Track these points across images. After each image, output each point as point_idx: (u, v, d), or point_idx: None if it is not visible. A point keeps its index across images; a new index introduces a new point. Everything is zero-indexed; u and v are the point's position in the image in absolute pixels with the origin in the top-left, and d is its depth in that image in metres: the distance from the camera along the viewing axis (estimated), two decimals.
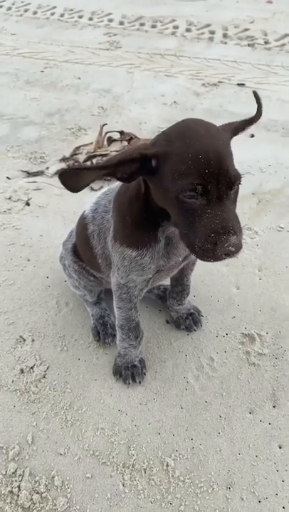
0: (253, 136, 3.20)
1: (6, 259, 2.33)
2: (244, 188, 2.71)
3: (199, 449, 1.61)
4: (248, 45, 4.60)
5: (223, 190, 1.14)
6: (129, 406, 1.74)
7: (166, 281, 2.00)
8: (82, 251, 1.83)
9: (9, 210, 2.64)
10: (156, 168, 1.20)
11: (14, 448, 1.62)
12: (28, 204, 2.67)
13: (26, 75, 4.17)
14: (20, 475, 1.55)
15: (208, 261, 1.21)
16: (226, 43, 4.68)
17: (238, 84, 3.90)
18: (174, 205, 1.21)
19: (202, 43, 4.68)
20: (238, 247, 1.15)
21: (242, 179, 1.19)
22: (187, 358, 1.89)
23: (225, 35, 4.82)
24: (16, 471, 1.56)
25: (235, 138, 1.36)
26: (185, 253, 1.53)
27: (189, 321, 1.96)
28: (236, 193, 1.23)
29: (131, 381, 1.78)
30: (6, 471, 1.56)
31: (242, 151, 3.04)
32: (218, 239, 1.13)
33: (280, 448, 1.61)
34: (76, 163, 2.93)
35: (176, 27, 5.06)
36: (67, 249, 1.92)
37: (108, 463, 1.58)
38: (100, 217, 1.64)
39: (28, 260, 2.33)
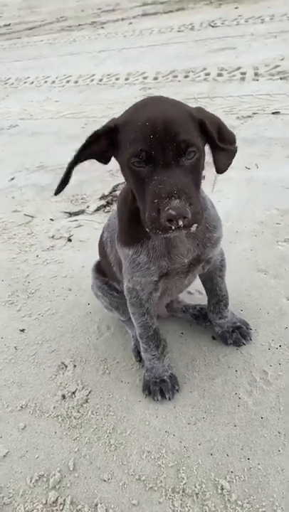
0: None
1: (48, 291, 2.33)
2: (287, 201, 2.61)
3: (257, 469, 1.42)
4: (280, 78, 4.64)
5: (171, 156, 1.12)
6: (177, 427, 1.59)
7: (204, 301, 1.90)
8: (102, 262, 1.85)
9: (52, 247, 2.68)
10: (118, 142, 1.22)
11: (55, 475, 1.51)
12: (69, 240, 2.70)
13: (68, 132, 4.41)
14: (61, 504, 1.43)
15: (157, 233, 1.16)
16: (257, 80, 4.75)
17: (273, 113, 3.89)
18: (128, 177, 1.22)
19: (234, 84, 4.78)
20: (180, 211, 1.08)
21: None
22: (238, 373, 1.73)
23: (256, 74, 4.90)
24: (56, 499, 1.44)
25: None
26: (190, 255, 1.47)
27: (236, 335, 1.82)
28: (194, 163, 1.18)
29: (160, 397, 1.66)
30: (47, 500, 1.44)
31: (283, 170, 2.98)
32: (160, 203, 1.10)
33: None
34: (114, 199, 2.98)
35: (207, 74, 5.23)
36: (92, 268, 1.93)
37: (156, 488, 1.42)
38: (112, 223, 1.66)
39: (70, 290, 2.31)
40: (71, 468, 1.52)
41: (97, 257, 2.37)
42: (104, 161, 1.30)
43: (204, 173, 1.29)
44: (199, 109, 1.26)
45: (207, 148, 1.30)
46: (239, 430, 1.54)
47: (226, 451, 1.49)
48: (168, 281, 1.54)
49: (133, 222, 1.37)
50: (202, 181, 1.31)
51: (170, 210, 1.07)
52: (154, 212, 1.12)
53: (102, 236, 1.78)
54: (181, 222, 1.09)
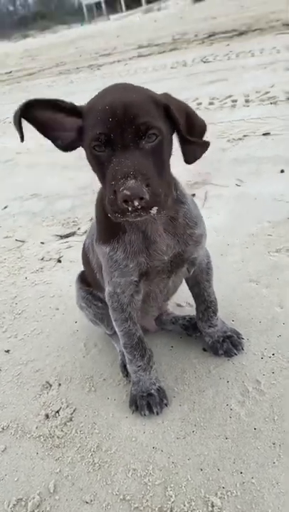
0: (283, 171, 3.11)
1: (35, 311, 2.27)
2: (280, 214, 2.57)
3: (251, 483, 1.31)
4: (271, 103, 4.71)
5: (129, 138, 1.10)
6: (165, 442, 1.48)
7: (193, 311, 1.83)
8: (86, 270, 1.81)
9: (41, 268, 2.64)
10: (83, 130, 1.20)
11: (34, 499, 1.39)
12: (59, 261, 2.66)
13: (63, 163, 4.45)
14: None
15: (117, 217, 1.14)
16: (248, 106, 4.83)
17: (264, 134, 3.92)
18: (91, 163, 1.19)
19: (225, 110, 4.86)
20: (135, 191, 1.04)
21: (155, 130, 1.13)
22: (229, 384, 1.63)
23: (247, 100, 4.99)
24: None
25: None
26: (170, 251, 1.42)
27: (227, 345, 1.73)
28: (156, 146, 1.14)
29: (147, 412, 1.57)
30: None
31: (275, 185, 2.96)
32: (116, 185, 1.07)
33: None
34: None
35: (199, 103, 5.33)
36: (76, 279, 1.89)
37: (141, 508, 1.31)
38: (92, 228, 1.62)
39: (57, 309, 2.25)
40: (52, 491, 1.41)
41: None
42: (67, 147, 1.26)
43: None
44: (166, 95, 1.24)
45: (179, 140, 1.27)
46: (231, 443, 1.43)
47: (217, 465, 1.38)
48: (150, 282, 1.48)
49: (109, 218, 1.33)
50: (169, 166, 1.28)
51: (125, 191, 1.04)
52: (112, 194, 1.09)
53: (84, 243, 1.75)
54: (136, 203, 1.05)
